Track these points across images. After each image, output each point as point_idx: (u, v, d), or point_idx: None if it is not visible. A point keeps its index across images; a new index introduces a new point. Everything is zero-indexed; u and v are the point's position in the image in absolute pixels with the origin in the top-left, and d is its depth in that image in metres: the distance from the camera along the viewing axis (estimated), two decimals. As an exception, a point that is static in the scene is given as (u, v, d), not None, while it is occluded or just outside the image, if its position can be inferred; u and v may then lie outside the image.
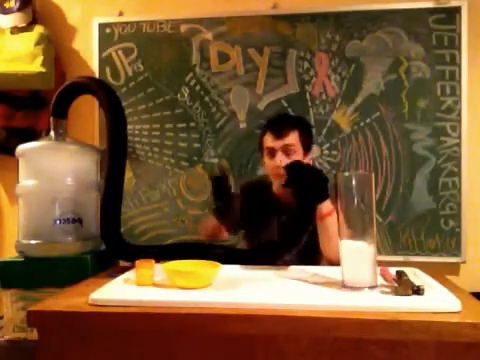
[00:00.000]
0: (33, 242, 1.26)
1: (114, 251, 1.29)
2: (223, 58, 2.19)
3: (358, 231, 0.92)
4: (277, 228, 1.52)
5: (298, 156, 1.46)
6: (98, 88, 1.33)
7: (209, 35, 2.19)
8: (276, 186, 1.51)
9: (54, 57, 2.18)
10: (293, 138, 1.46)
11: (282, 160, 1.43)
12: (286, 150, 1.45)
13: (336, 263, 1.01)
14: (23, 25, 2.16)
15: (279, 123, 1.51)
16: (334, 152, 2.12)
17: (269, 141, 1.48)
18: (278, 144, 1.45)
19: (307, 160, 1.51)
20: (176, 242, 2.08)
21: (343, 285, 0.94)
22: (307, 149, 1.51)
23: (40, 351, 0.87)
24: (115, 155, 1.29)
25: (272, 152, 1.47)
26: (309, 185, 1.24)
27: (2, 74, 2.05)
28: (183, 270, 1.00)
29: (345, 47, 2.11)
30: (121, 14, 2.25)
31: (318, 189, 1.25)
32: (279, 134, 1.45)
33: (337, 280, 0.97)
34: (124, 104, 2.21)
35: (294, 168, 1.29)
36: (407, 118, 2.08)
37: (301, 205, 1.25)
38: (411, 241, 2.07)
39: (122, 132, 1.31)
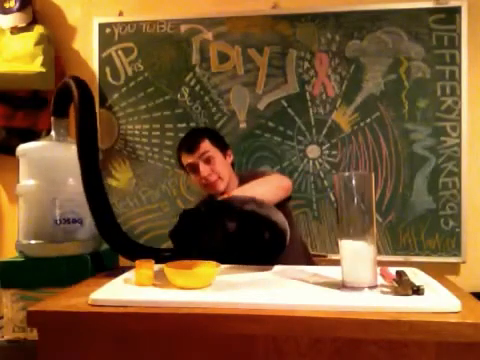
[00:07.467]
0: (33, 242, 1.26)
1: (115, 246, 1.26)
2: (223, 58, 2.19)
3: (358, 231, 0.92)
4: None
5: (219, 159, 1.54)
6: (73, 84, 1.32)
7: (209, 35, 2.19)
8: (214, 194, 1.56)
9: (54, 57, 2.17)
10: (205, 146, 1.53)
11: (205, 169, 1.50)
12: (206, 159, 1.52)
13: None
14: (23, 25, 2.16)
15: (187, 139, 1.58)
16: (334, 152, 2.12)
17: (186, 159, 1.55)
18: (195, 157, 1.52)
19: (230, 159, 1.61)
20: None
21: (343, 285, 0.94)
22: (224, 149, 1.60)
23: (40, 351, 0.87)
24: (87, 152, 1.27)
25: (194, 167, 1.54)
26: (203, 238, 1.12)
27: (2, 74, 2.05)
28: (183, 270, 1.00)
29: (345, 47, 2.11)
30: (121, 14, 2.25)
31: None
32: (191, 149, 1.52)
33: (337, 280, 0.97)
34: (124, 104, 2.23)
35: (190, 215, 1.15)
36: (407, 118, 2.08)
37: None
38: (411, 241, 2.07)
39: (92, 126, 1.31)
